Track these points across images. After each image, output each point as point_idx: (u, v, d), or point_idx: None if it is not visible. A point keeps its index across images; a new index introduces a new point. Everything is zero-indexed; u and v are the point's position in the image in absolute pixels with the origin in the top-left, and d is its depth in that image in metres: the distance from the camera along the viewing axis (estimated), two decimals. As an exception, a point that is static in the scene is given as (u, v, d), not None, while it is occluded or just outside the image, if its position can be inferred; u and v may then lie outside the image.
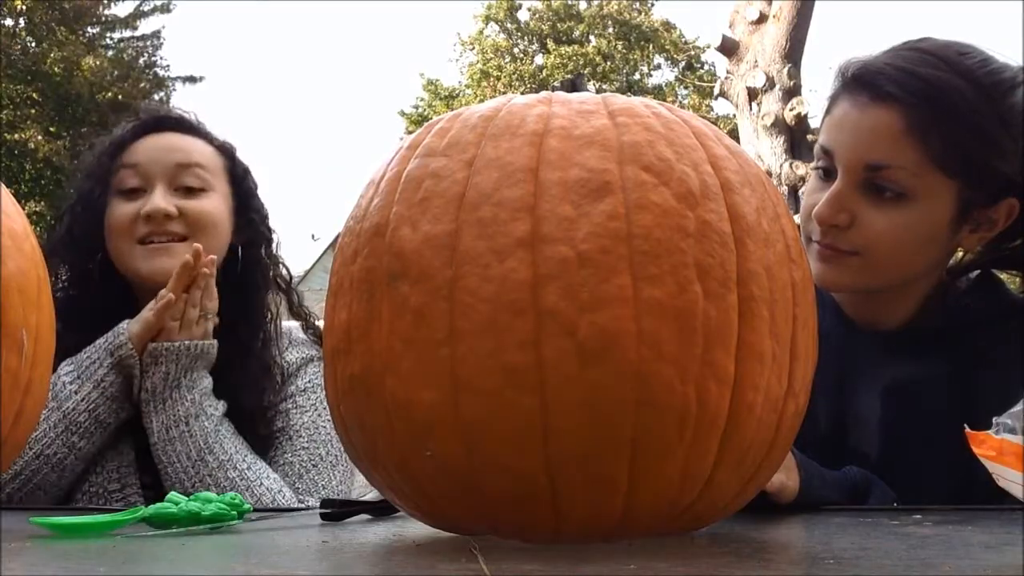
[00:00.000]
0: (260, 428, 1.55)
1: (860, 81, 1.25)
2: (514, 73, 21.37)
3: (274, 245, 1.69)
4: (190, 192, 1.57)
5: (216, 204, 1.59)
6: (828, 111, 1.30)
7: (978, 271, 1.36)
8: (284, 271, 1.71)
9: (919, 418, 1.29)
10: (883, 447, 1.30)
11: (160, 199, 1.53)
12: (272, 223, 1.69)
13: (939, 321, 1.32)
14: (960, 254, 1.36)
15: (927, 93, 1.21)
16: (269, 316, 1.64)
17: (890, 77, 1.23)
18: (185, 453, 1.45)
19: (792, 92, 6.78)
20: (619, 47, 21.80)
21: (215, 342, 1.50)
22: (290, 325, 1.69)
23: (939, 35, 1.29)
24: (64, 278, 1.60)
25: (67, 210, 1.62)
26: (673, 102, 14.77)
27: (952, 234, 1.26)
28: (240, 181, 1.64)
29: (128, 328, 1.46)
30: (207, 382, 1.49)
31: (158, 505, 0.95)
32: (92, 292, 1.58)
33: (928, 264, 1.29)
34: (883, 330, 1.34)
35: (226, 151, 1.64)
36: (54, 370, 1.50)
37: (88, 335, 1.51)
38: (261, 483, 1.45)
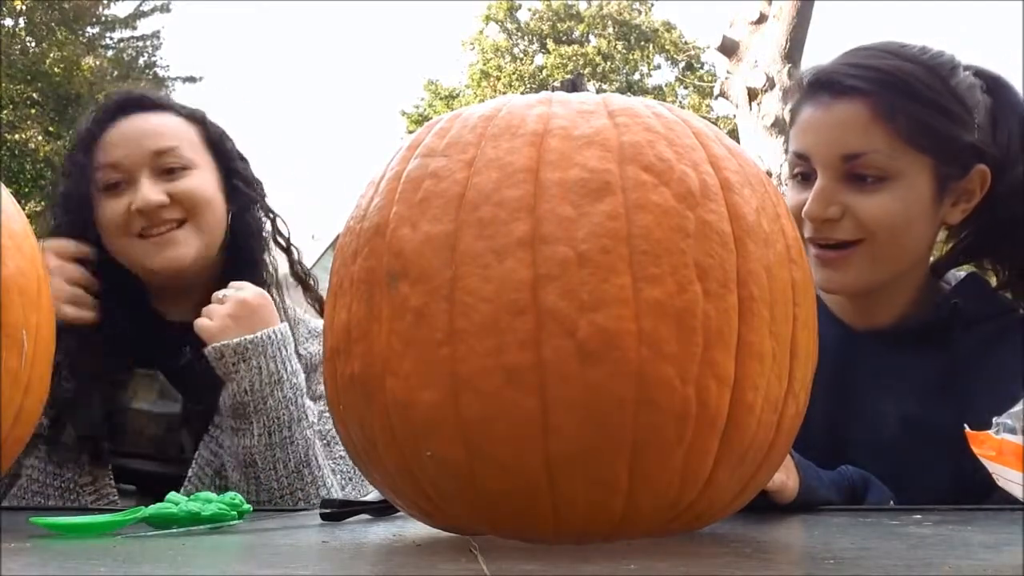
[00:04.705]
0: None
1: (818, 84, 1.32)
2: (514, 73, 21.35)
3: (260, 202, 1.63)
4: (174, 173, 1.52)
5: (204, 179, 1.54)
6: (792, 121, 1.36)
7: (965, 273, 1.39)
8: (282, 226, 1.65)
9: (916, 413, 1.30)
10: (881, 443, 1.30)
11: (148, 191, 1.49)
12: (257, 176, 1.63)
13: (929, 317, 1.34)
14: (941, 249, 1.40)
15: (885, 80, 1.28)
16: (271, 279, 1.60)
17: (847, 73, 1.30)
18: (284, 462, 1.38)
19: (792, 92, 6.78)
20: (619, 47, 21.78)
21: (282, 325, 1.44)
22: (306, 316, 1.66)
23: (936, 39, 1.35)
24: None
25: (52, 212, 1.58)
26: (673, 102, 14.78)
27: (936, 210, 1.31)
28: (218, 146, 1.59)
29: None
30: (301, 378, 1.44)
31: (158, 505, 0.95)
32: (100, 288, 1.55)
33: (922, 242, 1.33)
34: (874, 328, 1.35)
35: (196, 119, 1.59)
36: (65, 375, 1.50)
37: (100, 338, 1.50)
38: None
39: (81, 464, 1.47)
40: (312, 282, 1.67)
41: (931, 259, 1.39)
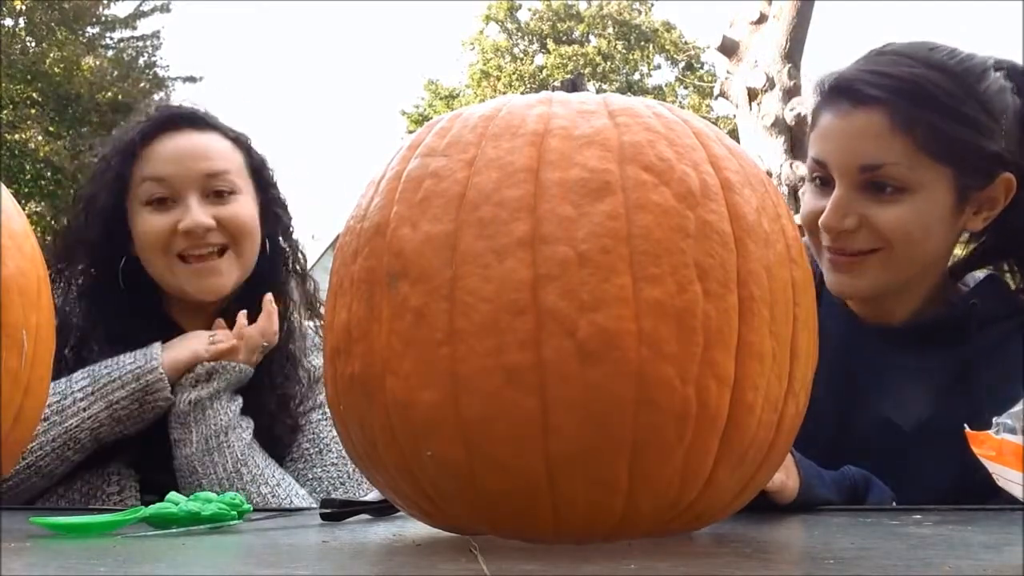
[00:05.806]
0: (284, 416, 1.54)
1: (838, 90, 1.29)
2: (514, 73, 21.35)
3: (292, 231, 1.66)
4: (220, 197, 1.53)
5: (248, 207, 1.56)
6: (813, 126, 1.34)
7: (984, 274, 1.38)
8: (301, 258, 1.68)
9: (925, 412, 1.30)
10: (888, 441, 1.30)
11: (199, 214, 1.49)
12: (289, 209, 1.67)
13: (944, 315, 1.33)
14: (961, 251, 1.38)
15: (905, 89, 1.25)
16: (292, 305, 1.62)
17: (867, 81, 1.27)
18: (222, 465, 1.43)
19: (792, 92, 6.77)
20: (619, 47, 21.78)
21: (252, 370, 1.51)
22: (310, 328, 1.67)
23: (938, 38, 1.33)
24: (82, 282, 1.57)
25: (81, 214, 1.57)
26: (673, 102, 14.77)
27: (957, 218, 1.29)
28: (259, 174, 1.61)
29: (164, 356, 1.44)
30: (239, 402, 1.50)
31: (158, 505, 0.95)
32: (117, 297, 1.55)
33: (941, 249, 1.32)
34: (888, 325, 1.35)
35: (241, 144, 1.60)
36: (71, 370, 1.50)
37: (116, 339, 1.50)
38: (291, 500, 1.44)
39: (108, 472, 1.47)
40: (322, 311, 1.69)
41: (950, 261, 1.37)
